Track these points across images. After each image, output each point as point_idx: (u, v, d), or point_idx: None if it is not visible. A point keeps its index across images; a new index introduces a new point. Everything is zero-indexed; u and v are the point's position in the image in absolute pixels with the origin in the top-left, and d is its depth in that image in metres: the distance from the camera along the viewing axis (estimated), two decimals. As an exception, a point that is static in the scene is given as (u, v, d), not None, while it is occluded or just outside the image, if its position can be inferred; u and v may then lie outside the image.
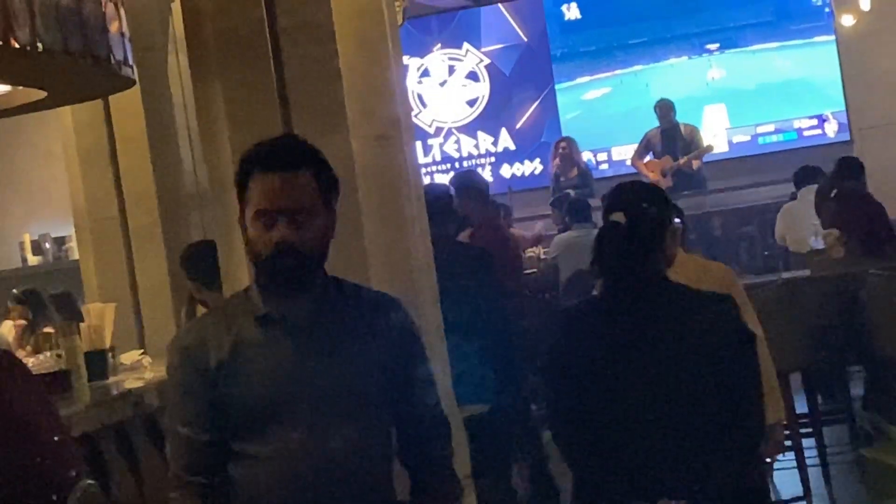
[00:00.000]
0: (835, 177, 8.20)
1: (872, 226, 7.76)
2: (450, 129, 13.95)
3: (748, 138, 13.08)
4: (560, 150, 12.10)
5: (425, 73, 13.98)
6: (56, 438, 3.00)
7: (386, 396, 2.80)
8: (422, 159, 13.05)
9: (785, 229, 9.31)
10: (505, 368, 5.37)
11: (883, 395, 6.70)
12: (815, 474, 6.11)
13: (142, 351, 5.50)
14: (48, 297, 7.75)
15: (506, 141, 13.78)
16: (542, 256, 9.59)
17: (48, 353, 4.89)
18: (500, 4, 13.76)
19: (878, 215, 7.94)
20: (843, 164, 8.31)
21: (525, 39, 13.73)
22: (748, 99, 13.11)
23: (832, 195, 8.10)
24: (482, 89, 13.86)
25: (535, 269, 9.43)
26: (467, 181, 7.26)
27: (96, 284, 6.26)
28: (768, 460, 4.58)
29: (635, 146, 12.31)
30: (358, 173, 4.11)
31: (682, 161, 11.74)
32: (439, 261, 4.62)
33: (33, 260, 11.14)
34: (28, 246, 11.16)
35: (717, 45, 13.23)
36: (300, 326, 2.75)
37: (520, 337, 6.06)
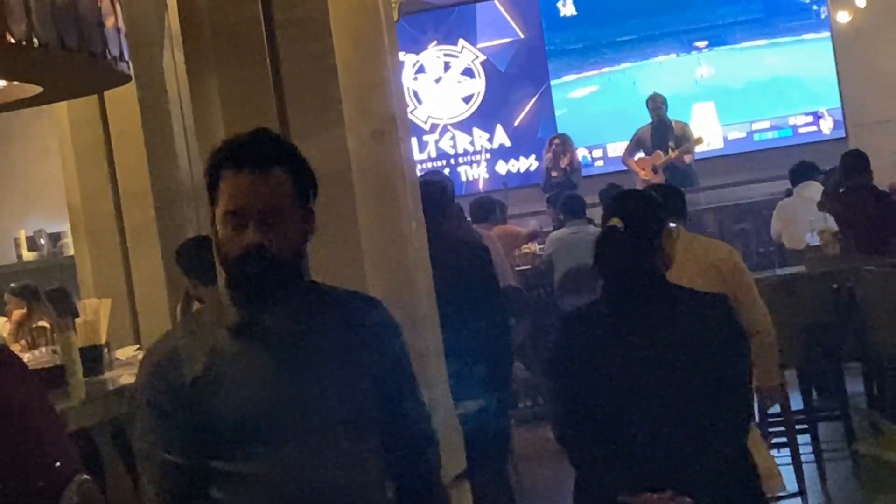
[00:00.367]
0: (842, 173, 8.09)
1: (887, 220, 7.69)
2: (445, 126, 13.93)
3: (744, 135, 13.07)
4: (553, 147, 12.11)
5: (421, 70, 13.97)
6: (52, 434, 3.00)
7: (373, 402, 2.62)
8: (417, 156, 13.03)
9: (781, 226, 9.28)
10: (498, 364, 5.35)
11: (879, 391, 6.71)
12: (810, 470, 6.11)
13: (137, 346, 5.51)
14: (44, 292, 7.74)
15: (501, 137, 13.77)
16: (538, 252, 9.58)
17: (44, 349, 4.90)
18: (495, 0, 13.75)
19: (893, 208, 7.87)
20: (849, 158, 8.15)
21: (521, 36, 13.70)
22: (737, 96, 13.08)
23: (841, 191, 8.02)
24: (478, 86, 13.84)
25: (529, 266, 9.42)
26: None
27: (92, 280, 6.27)
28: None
29: (626, 143, 12.31)
30: (354, 169, 4.12)
31: (673, 154, 11.70)
32: (433, 254, 4.62)
33: (28, 256, 11.10)
34: (23, 242, 11.12)
35: (706, 42, 13.19)
36: (279, 336, 2.56)
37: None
